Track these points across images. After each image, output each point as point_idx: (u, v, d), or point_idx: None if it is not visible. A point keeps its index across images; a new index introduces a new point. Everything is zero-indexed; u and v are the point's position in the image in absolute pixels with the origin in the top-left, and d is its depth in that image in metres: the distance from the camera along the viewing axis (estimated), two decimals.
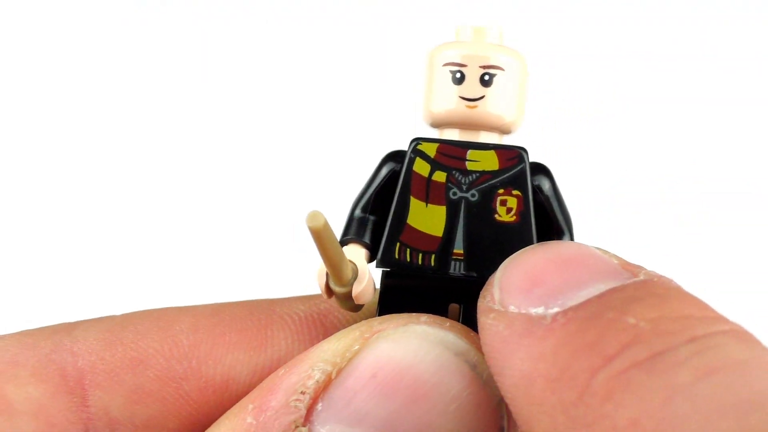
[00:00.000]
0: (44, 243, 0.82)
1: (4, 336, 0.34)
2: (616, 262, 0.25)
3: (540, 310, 0.24)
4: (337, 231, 0.31)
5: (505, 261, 0.26)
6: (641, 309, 0.23)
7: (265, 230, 0.78)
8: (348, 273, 0.30)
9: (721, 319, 0.22)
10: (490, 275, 0.30)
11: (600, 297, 0.24)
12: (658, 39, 0.85)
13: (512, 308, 0.25)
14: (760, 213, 0.78)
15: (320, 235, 0.28)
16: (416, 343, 0.28)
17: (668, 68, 0.83)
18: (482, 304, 0.26)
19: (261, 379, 0.30)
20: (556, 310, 0.24)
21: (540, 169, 0.32)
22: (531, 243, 0.31)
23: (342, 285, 0.30)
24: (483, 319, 0.25)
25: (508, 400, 0.24)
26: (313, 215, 0.27)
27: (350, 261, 0.31)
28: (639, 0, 0.85)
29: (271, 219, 0.77)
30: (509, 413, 0.28)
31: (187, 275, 0.78)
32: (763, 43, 0.84)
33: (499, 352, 0.24)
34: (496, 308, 0.25)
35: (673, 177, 0.80)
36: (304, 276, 0.34)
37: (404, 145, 0.32)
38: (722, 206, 0.78)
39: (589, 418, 0.21)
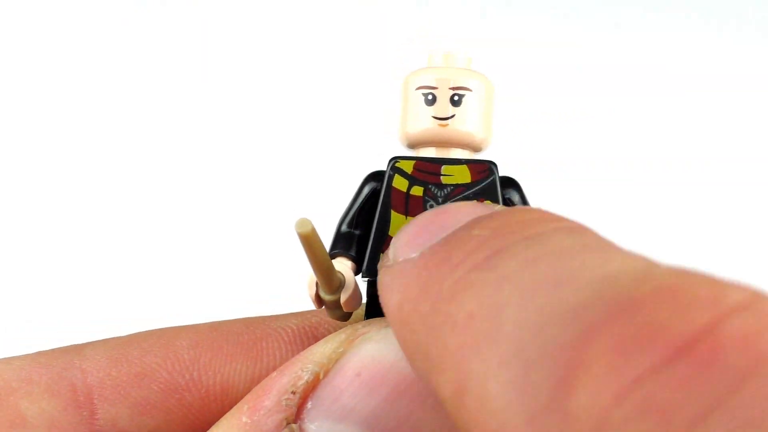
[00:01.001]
0: (43, 258, 0.83)
1: (19, 356, 0.36)
2: (495, 208, 0.27)
3: (415, 254, 0.25)
4: (326, 246, 0.33)
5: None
6: (486, 222, 0.24)
7: (256, 245, 0.80)
8: (336, 281, 0.32)
9: (559, 218, 0.24)
10: None
11: (454, 231, 0.25)
12: (626, 59, 0.86)
13: (399, 260, 0.26)
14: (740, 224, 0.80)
15: (309, 240, 0.30)
16: (396, 342, 0.30)
17: (635, 86, 0.85)
18: (379, 265, 0.28)
19: None
20: (425, 248, 0.25)
21: (510, 183, 0.34)
22: None
23: (331, 293, 0.33)
24: (378, 277, 0.27)
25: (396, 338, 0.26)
26: (302, 222, 0.30)
27: (338, 271, 0.33)
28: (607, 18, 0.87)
29: (262, 235, 0.78)
30: None
31: (183, 290, 0.79)
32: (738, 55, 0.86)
33: (384, 297, 0.26)
34: (388, 264, 0.27)
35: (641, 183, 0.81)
36: (296, 289, 0.36)
37: (384, 166, 0.35)
38: (702, 216, 0.80)
39: (438, 322, 0.23)
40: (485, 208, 0.27)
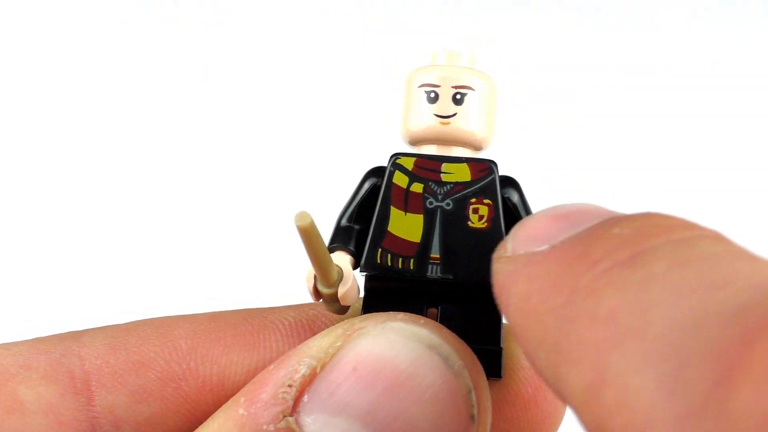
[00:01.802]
0: (44, 249, 0.83)
1: (18, 342, 0.36)
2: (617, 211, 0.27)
3: (543, 247, 0.26)
4: (325, 240, 0.33)
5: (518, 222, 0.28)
6: (626, 221, 0.24)
7: (256, 239, 0.80)
8: (334, 274, 0.33)
9: (701, 227, 0.24)
10: (464, 277, 0.33)
11: (589, 227, 0.25)
12: (629, 60, 0.87)
13: (520, 251, 0.26)
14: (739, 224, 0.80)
15: (308, 233, 0.30)
16: (393, 338, 0.30)
17: (643, 90, 0.85)
18: (495, 255, 0.28)
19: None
20: (555, 243, 0.25)
21: (509, 182, 0.35)
22: None
23: (329, 286, 0.33)
24: (495, 266, 0.27)
25: (515, 334, 0.26)
26: (301, 215, 0.30)
27: (336, 265, 0.33)
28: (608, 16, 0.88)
29: (262, 229, 0.78)
30: (479, 402, 0.30)
31: (183, 282, 0.79)
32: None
33: (505, 286, 0.26)
34: (507, 255, 0.27)
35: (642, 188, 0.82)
36: (294, 284, 0.37)
37: (384, 162, 0.35)
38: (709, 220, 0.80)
39: (573, 315, 0.23)
40: (613, 211, 0.27)
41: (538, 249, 0.26)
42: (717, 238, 0.23)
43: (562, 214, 0.27)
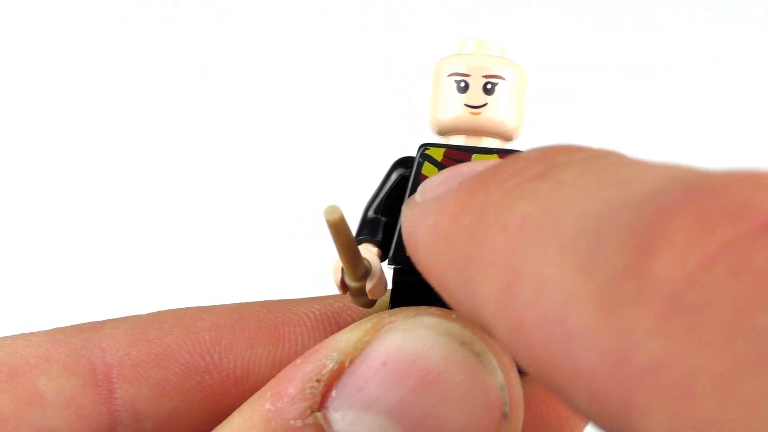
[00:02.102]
0: (66, 243, 0.83)
1: (38, 333, 0.36)
2: None
3: (453, 184, 0.26)
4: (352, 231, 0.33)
5: None
6: (535, 149, 0.25)
7: (278, 232, 0.80)
8: (362, 268, 0.32)
9: (610, 150, 0.24)
10: None
11: (506, 158, 0.26)
12: (657, 55, 0.86)
13: (428, 197, 0.26)
14: None
15: (337, 227, 0.30)
16: (424, 333, 0.30)
17: (667, 82, 0.85)
18: (404, 206, 0.28)
19: (278, 372, 0.32)
20: (462, 180, 0.26)
21: None
22: None
23: (356, 280, 0.32)
24: (403, 214, 0.28)
25: (424, 270, 0.26)
26: (331, 209, 0.29)
27: (364, 258, 0.33)
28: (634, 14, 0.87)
29: (286, 222, 0.78)
30: (512, 399, 0.30)
31: (201, 278, 0.79)
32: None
33: (413, 225, 0.27)
34: (415, 202, 0.27)
35: None
36: (317, 276, 0.36)
37: (412, 152, 0.34)
38: None
39: (483, 228, 0.23)
40: None
41: (447, 189, 0.26)
42: (622, 154, 0.23)
43: (463, 165, 0.28)
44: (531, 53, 0.39)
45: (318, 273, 0.37)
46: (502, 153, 0.34)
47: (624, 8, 0.91)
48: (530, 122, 0.36)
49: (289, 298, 0.37)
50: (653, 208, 0.19)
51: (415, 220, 0.26)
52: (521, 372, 0.33)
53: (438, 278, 0.25)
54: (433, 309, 0.31)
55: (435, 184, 0.27)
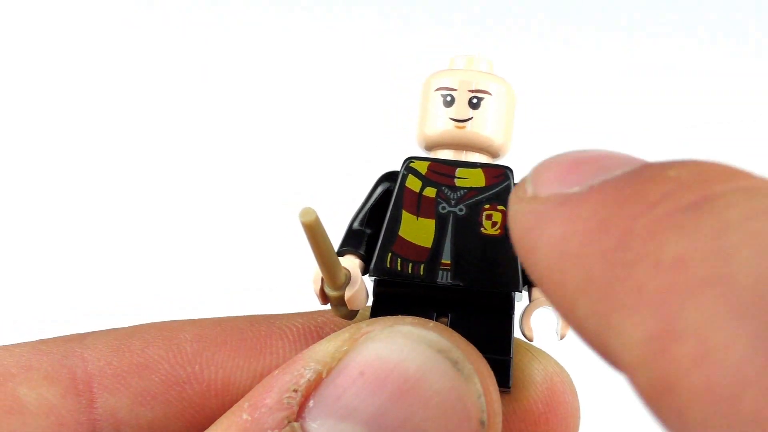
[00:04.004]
0: (49, 254, 0.83)
1: (20, 344, 0.35)
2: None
3: (576, 189, 0.24)
4: (335, 243, 0.33)
5: (536, 164, 0.26)
6: (681, 165, 0.22)
7: (264, 247, 0.80)
8: (341, 276, 0.32)
9: (760, 176, 0.22)
10: (475, 284, 0.32)
11: (635, 169, 0.23)
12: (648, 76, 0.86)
13: (547, 192, 0.24)
14: None
15: (313, 230, 0.29)
16: (401, 342, 0.30)
17: (657, 106, 0.85)
18: (513, 197, 0.26)
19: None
20: (593, 184, 0.23)
21: None
22: (514, 255, 0.33)
23: (336, 288, 0.32)
24: (516, 207, 0.25)
25: (542, 282, 0.24)
26: (306, 211, 0.29)
27: (344, 267, 0.32)
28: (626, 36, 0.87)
29: (271, 237, 0.78)
30: (489, 407, 0.29)
31: (187, 290, 0.79)
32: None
33: (533, 228, 0.24)
34: (529, 196, 0.25)
35: None
36: (302, 294, 0.36)
37: (398, 167, 0.34)
38: None
39: (630, 259, 0.21)
40: (642, 159, 0.25)
41: (571, 190, 0.24)
42: None
43: (588, 157, 0.25)
44: (523, 72, 0.39)
45: (300, 287, 0.36)
46: (487, 167, 0.34)
47: (618, 26, 0.91)
48: (519, 139, 0.36)
49: (272, 313, 0.37)
50: None
51: (534, 221, 0.24)
52: (503, 388, 0.33)
53: (563, 298, 0.23)
54: (410, 318, 0.31)
55: (552, 175, 0.25)
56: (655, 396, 0.20)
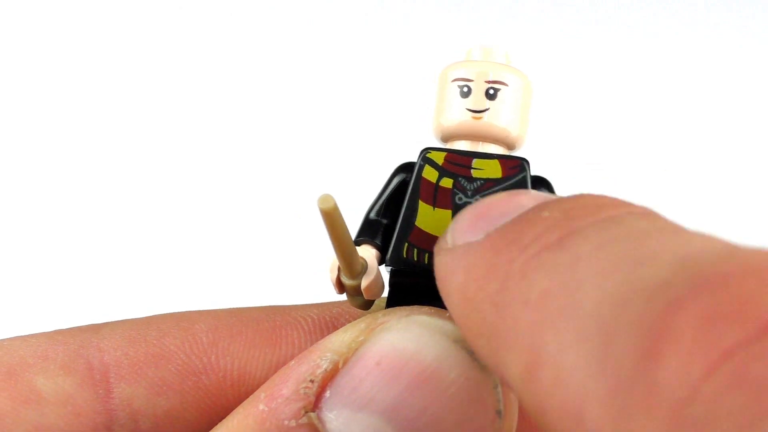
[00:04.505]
0: (62, 243, 0.84)
1: (37, 334, 0.36)
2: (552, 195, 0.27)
3: (479, 236, 0.25)
4: (351, 233, 0.33)
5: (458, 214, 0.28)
6: (556, 203, 0.25)
7: (277, 241, 0.80)
8: (358, 265, 0.32)
9: (629, 204, 0.24)
10: None
11: (522, 213, 0.25)
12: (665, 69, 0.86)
13: (458, 242, 0.26)
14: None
15: (331, 217, 0.29)
16: (418, 332, 0.30)
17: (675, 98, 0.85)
18: (436, 248, 0.28)
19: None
20: (490, 231, 0.25)
21: (541, 182, 0.34)
22: None
23: (352, 277, 0.32)
24: (436, 259, 0.27)
25: (458, 326, 0.26)
26: (324, 198, 0.29)
27: (361, 257, 0.32)
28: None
29: (284, 232, 0.78)
30: (506, 397, 0.29)
31: (201, 283, 0.79)
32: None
33: (445, 278, 0.26)
34: (447, 247, 0.27)
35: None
36: (318, 286, 0.36)
37: (414, 157, 0.34)
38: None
39: (507, 300, 0.23)
40: (549, 195, 0.27)
41: (475, 239, 0.26)
42: (644, 214, 0.23)
43: (496, 202, 0.27)
44: (541, 63, 0.39)
45: (316, 276, 0.37)
46: (503, 159, 0.34)
47: (638, 17, 0.91)
48: (536, 131, 0.36)
49: (288, 304, 0.37)
50: (662, 302, 0.19)
51: (445, 271, 0.26)
52: None
53: (470, 340, 0.26)
54: (426, 308, 0.31)
55: (465, 224, 0.27)
56: (534, 417, 0.22)
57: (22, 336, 0.36)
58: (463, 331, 0.26)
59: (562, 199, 0.25)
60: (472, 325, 0.25)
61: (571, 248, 0.22)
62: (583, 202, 0.24)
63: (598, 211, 0.23)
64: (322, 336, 0.34)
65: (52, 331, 0.36)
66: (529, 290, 0.22)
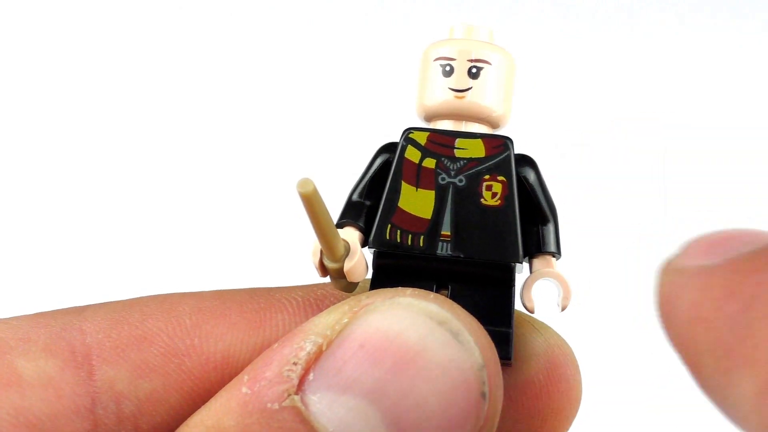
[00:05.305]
0: (46, 240, 0.83)
1: (18, 317, 0.35)
2: None
3: (717, 261, 0.25)
4: (335, 215, 0.33)
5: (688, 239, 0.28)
6: None
7: (262, 226, 0.79)
8: (340, 248, 0.32)
9: None
10: (475, 255, 0.32)
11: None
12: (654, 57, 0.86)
13: (690, 264, 0.26)
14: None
15: (310, 201, 0.29)
16: (401, 313, 0.29)
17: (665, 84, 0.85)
18: (661, 267, 0.27)
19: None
20: (728, 257, 0.25)
21: (526, 161, 0.34)
22: (515, 225, 0.33)
23: (335, 260, 0.32)
24: (662, 278, 0.27)
25: (676, 342, 0.26)
26: (303, 182, 0.29)
27: (343, 239, 0.32)
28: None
29: (268, 215, 0.78)
30: (491, 380, 0.29)
31: (186, 262, 0.79)
32: None
33: (673, 296, 0.26)
34: (676, 268, 0.26)
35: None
36: (303, 268, 0.36)
37: (397, 137, 0.34)
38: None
39: (751, 320, 0.23)
40: None
41: (710, 263, 0.25)
42: None
43: (734, 234, 0.26)
44: (525, 42, 0.38)
45: (301, 257, 0.36)
46: (486, 138, 0.33)
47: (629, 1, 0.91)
48: (520, 110, 0.35)
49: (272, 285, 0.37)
50: None
51: (674, 290, 0.26)
52: (504, 360, 0.32)
53: (691, 358, 0.25)
54: (410, 290, 0.30)
55: (701, 248, 0.26)
56: None
57: (3, 318, 0.35)
58: (686, 349, 0.25)
59: None
60: (700, 343, 0.24)
61: None
62: None
63: None
64: (307, 318, 0.34)
65: (34, 314, 0.36)
66: None
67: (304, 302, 0.36)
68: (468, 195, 0.33)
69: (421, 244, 0.33)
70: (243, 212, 0.83)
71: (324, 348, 0.29)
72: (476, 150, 0.33)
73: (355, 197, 0.34)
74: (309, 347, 0.30)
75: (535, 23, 0.87)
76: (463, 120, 0.34)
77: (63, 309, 0.36)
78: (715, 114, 0.87)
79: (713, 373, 0.24)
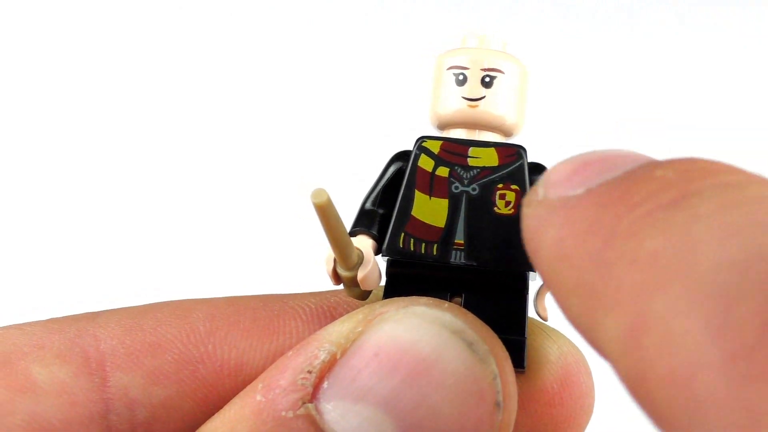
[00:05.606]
0: (61, 246, 0.83)
1: (32, 322, 0.35)
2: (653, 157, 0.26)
3: (578, 191, 0.25)
4: (347, 224, 0.33)
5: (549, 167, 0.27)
6: (669, 164, 0.24)
7: (275, 233, 0.79)
8: (354, 256, 0.32)
9: (747, 171, 0.23)
10: (489, 264, 0.32)
11: (628, 170, 0.24)
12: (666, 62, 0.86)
13: (553, 196, 0.25)
14: None
15: (324, 211, 0.29)
16: (416, 323, 0.29)
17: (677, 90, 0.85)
18: (525, 200, 0.27)
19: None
20: (591, 186, 0.25)
21: (539, 169, 0.34)
22: None
23: (348, 269, 0.32)
24: (525, 211, 0.26)
25: (542, 277, 0.25)
26: (317, 192, 0.29)
27: (357, 248, 0.32)
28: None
29: (281, 223, 0.78)
30: (505, 389, 0.29)
31: (200, 269, 0.79)
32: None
33: (536, 231, 0.25)
34: (539, 199, 0.26)
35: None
36: (315, 275, 0.36)
37: (410, 146, 0.34)
38: None
39: (612, 258, 0.22)
40: (651, 156, 0.26)
41: (573, 193, 0.25)
42: (765, 182, 0.22)
43: (597, 158, 0.26)
44: (538, 50, 0.38)
45: (314, 264, 0.36)
46: (500, 146, 0.33)
47: (635, 5, 0.90)
48: (532, 119, 0.35)
49: (285, 293, 0.37)
50: None
51: (537, 224, 0.26)
52: (517, 368, 0.32)
53: (559, 297, 0.25)
54: (424, 299, 0.31)
55: (561, 178, 0.26)
56: (632, 385, 0.21)
57: (17, 324, 0.36)
58: (553, 288, 0.25)
59: (674, 161, 0.24)
60: (565, 282, 0.24)
61: (688, 209, 0.21)
62: (701, 166, 0.23)
63: (716, 175, 0.22)
64: (320, 325, 0.34)
65: (48, 320, 0.36)
66: (637, 249, 0.21)
67: (318, 310, 0.36)
68: (481, 204, 0.33)
69: (435, 253, 0.33)
70: (256, 219, 0.83)
71: (338, 356, 0.30)
72: (490, 159, 0.33)
73: (368, 205, 0.34)
74: (323, 356, 0.30)
75: (535, 23, 0.87)
76: (476, 129, 0.34)
77: (76, 315, 0.36)
78: (719, 115, 0.86)
79: (579, 314, 0.23)
